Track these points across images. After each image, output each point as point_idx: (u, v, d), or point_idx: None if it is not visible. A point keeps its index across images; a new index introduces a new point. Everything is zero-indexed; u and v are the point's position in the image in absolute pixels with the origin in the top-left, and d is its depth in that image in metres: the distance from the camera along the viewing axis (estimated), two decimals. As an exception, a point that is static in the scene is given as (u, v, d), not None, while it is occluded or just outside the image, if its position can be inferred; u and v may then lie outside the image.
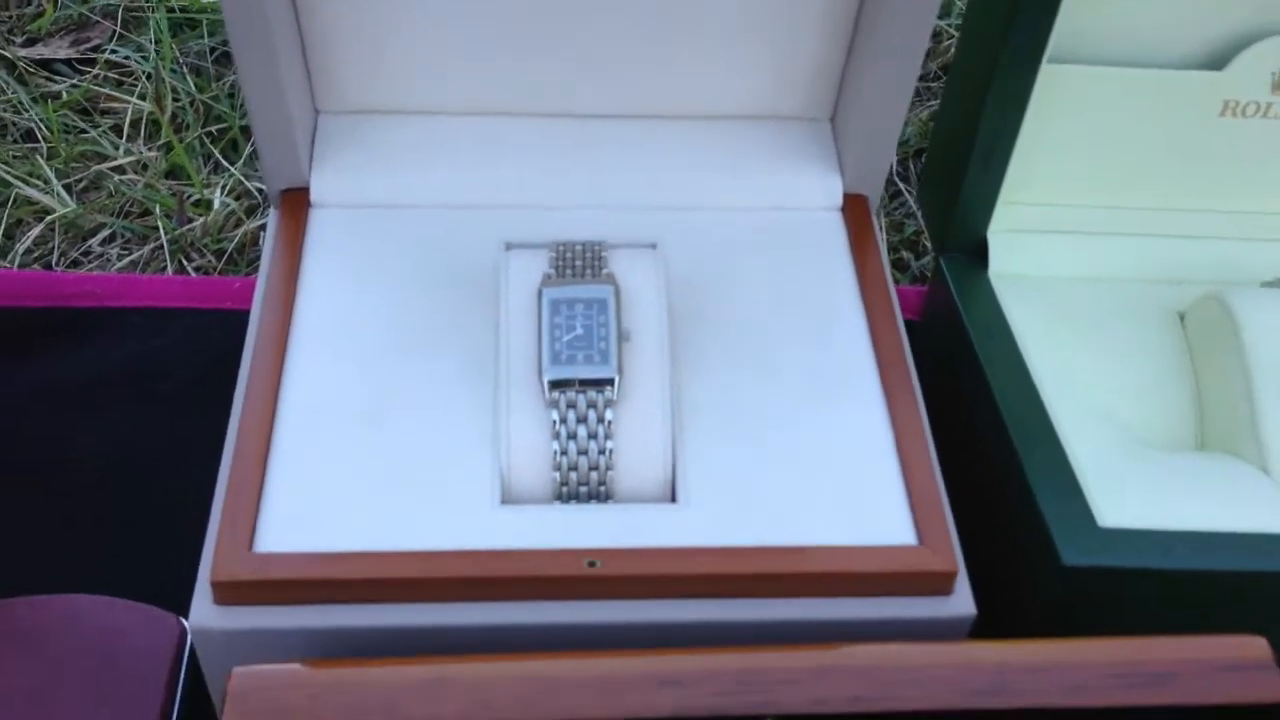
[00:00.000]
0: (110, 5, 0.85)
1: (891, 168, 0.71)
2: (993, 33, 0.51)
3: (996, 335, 0.52)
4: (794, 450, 0.43)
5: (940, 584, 0.40)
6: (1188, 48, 0.53)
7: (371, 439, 0.43)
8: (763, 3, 0.50)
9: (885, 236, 0.66)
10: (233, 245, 0.68)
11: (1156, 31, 0.53)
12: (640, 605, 0.39)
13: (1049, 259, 0.56)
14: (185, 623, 0.47)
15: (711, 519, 0.41)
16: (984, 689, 0.37)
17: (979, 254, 0.56)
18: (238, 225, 0.69)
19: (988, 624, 0.43)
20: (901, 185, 0.70)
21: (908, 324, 0.60)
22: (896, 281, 0.66)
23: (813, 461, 0.43)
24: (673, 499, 0.42)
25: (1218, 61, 0.53)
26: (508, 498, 0.42)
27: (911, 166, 0.74)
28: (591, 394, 0.42)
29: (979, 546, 0.48)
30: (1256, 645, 0.38)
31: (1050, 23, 0.49)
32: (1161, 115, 0.55)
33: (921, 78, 0.78)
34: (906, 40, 0.48)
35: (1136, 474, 0.47)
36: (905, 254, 0.66)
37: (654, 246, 0.49)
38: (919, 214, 0.72)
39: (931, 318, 0.58)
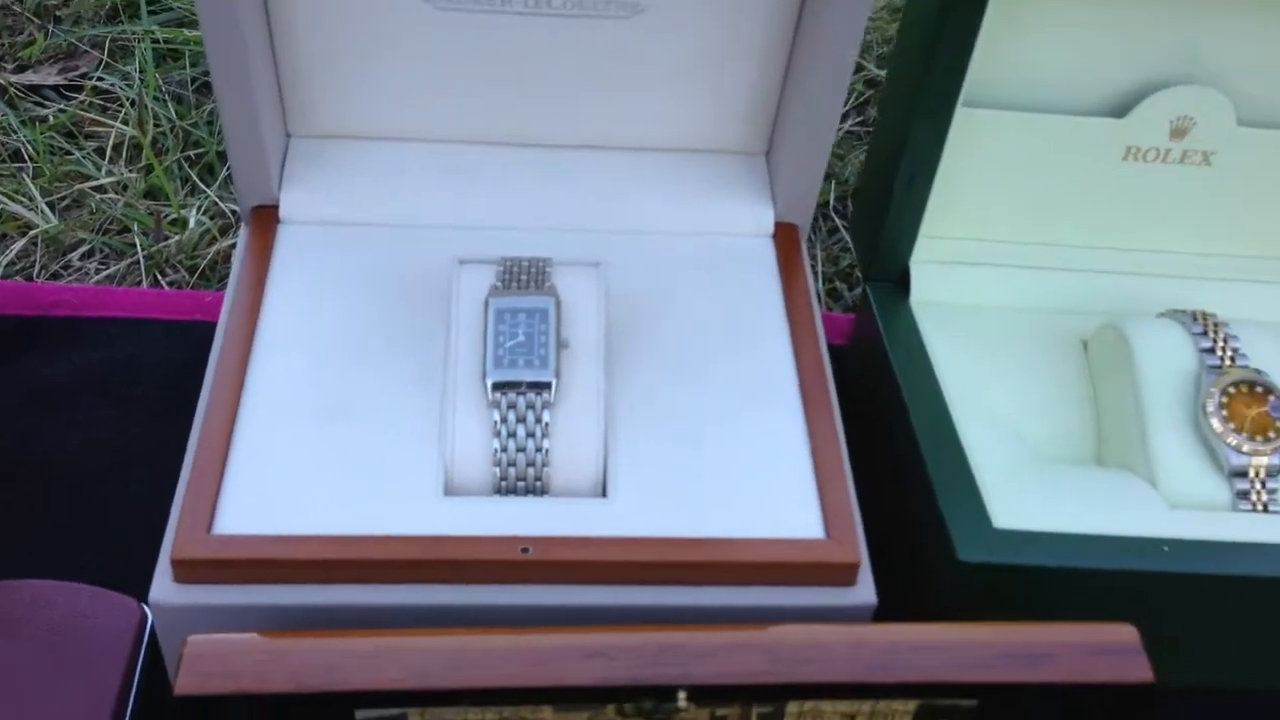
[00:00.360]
0: (98, 35, 0.89)
1: (829, 204, 0.75)
2: (913, 79, 0.56)
3: (913, 356, 0.56)
4: (717, 452, 0.47)
5: (844, 574, 0.44)
6: (1092, 96, 0.58)
7: (327, 434, 0.46)
8: (704, 47, 0.55)
9: (822, 268, 0.71)
10: (205, 262, 0.71)
11: (1064, 80, 0.58)
12: (569, 590, 0.43)
13: (966, 288, 0.60)
14: (146, 608, 0.50)
15: (637, 512, 0.45)
16: (877, 664, 0.40)
17: (902, 283, 0.61)
18: (211, 243, 0.72)
19: (895, 614, 0.47)
20: (839, 221, 0.74)
21: (840, 348, 0.65)
22: (831, 309, 0.71)
23: (734, 462, 0.47)
24: (603, 494, 0.46)
25: (1120, 110, 0.58)
26: (451, 490, 0.45)
27: (850, 204, 0.78)
28: (530, 396, 0.46)
29: (890, 545, 0.51)
30: (1127, 632, 0.42)
31: (963, 70, 0.54)
32: (1068, 159, 0.59)
33: (862, 122, 0.83)
34: (829, 84, 0.52)
35: (1033, 483, 0.51)
36: (840, 284, 0.70)
37: (598, 265, 0.53)
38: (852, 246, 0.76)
39: (858, 341, 0.62)
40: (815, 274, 0.71)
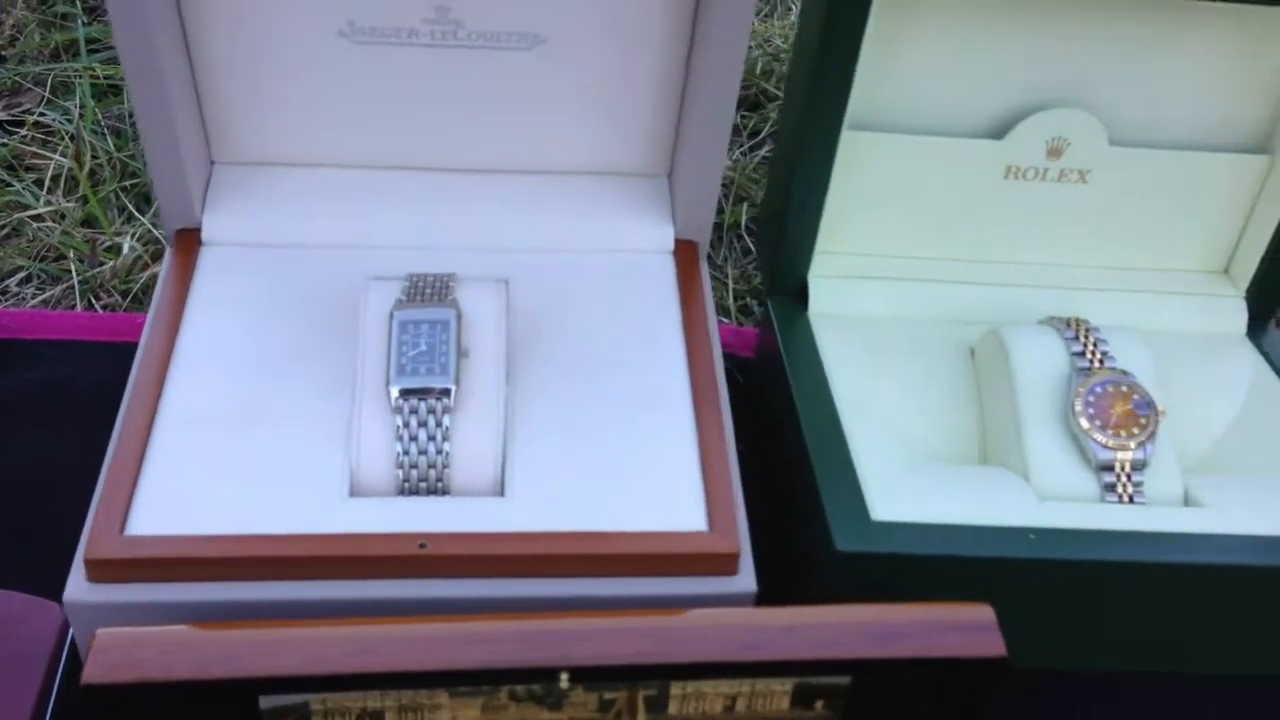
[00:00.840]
0: (41, 73, 0.92)
1: (742, 224, 0.79)
2: (801, 104, 0.59)
3: (807, 364, 0.59)
4: (611, 453, 0.50)
5: (725, 564, 0.46)
6: (974, 118, 0.62)
7: (239, 441, 0.49)
8: (603, 75, 0.58)
9: (735, 285, 0.74)
10: (139, 286, 0.74)
11: (945, 103, 0.61)
12: (466, 583, 0.46)
13: (861, 301, 0.64)
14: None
15: (532, 509, 0.47)
16: (747, 644, 0.43)
17: (801, 297, 0.64)
18: (144, 269, 0.75)
19: (782, 602, 0.49)
20: (750, 241, 0.78)
21: (748, 360, 0.68)
22: (743, 324, 0.74)
23: (626, 462, 0.49)
24: (501, 493, 0.48)
25: (999, 131, 0.62)
26: (355, 491, 0.48)
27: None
28: (431, 401, 0.48)
29: (780, 538, 0.55)
30: (982, 612, 0.45)
31: (845, 95, 0.57)
32: (953, 178, 0.63)
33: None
34: (716, 110, 0.55)
35: (913, 479, 0.54)
36: (751, 301, 0.73)
37: (506, 281, 0.56)
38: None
39: (762, 352, 0.66)
40: (728, 291, 0.75)
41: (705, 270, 0.61)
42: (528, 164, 0.60)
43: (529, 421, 0.51)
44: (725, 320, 0.72)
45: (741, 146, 0.85)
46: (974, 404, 0.61)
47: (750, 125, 0.86)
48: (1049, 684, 0.55)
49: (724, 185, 0.80)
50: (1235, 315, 0.65)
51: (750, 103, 0.89)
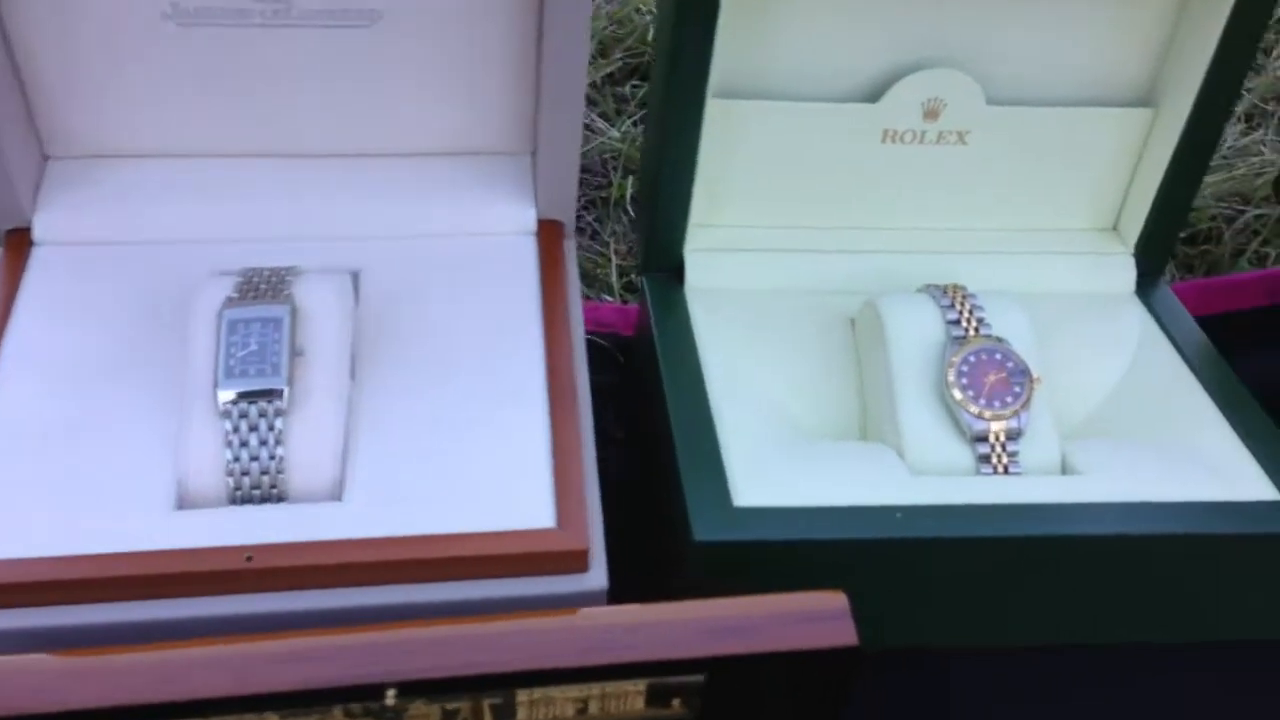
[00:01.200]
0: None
1: (628, 196, 0.76)
2: (663, 73, 0.57)
3: (678, 343, 0.57)
4: (458, 450, 0.48)
5: (574, 562, 0.45)
6: (847, 82, 0.60)
7: (61, 457, 0.46)
8: (450, 52, 0.55)
9: (619, 262, 0.72)
10: None
11: (819, 69, 0.59)
12: (299, 596, 0.43)
13: (739, 274, 0.62)
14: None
15: (372, 514, 0.45)
16: (589, 648, 0.41)
17: (678, 272, 0.62)
18: None
19: (641, 598, 0.47)
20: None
21: (629, 339, 0.66)
22: (626, 302, 0.72)
23: (473, 459, 0.47)
24: (340, 498, 0.46)
25: (874, 94, 0.60)
26: (184, 503, 0.45)
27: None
28: (262, 404, 0.46)
29: (645, 530, 0.53)
30: (834, 600, 0.43)
31: (706, 62, 0.55)
32: (828, 144, 0.61)
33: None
34: (567, 85, 0.53)
35: (782, 460, 0.52)
36: (638, 277, 0.71)
37: (355, 273, 0.54)
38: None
39: (640, 331, 0.64)
40: (613, 267, 0.72)
41: (571, 251, 0.59)
42: (379, 147, 0.57)
43: (374, 421, 0.49)
44: (609, 298, 0.69)
45: (631, 117, 0.82)
46: (855, 377, 0.59)
47: (639, 95, 0.83)
48: (927, 662, 0.54)
49: (612, 157, 0.77)
50: (1124, 273, 0.63)
51: (642, 71, 0.87)
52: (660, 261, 0.62)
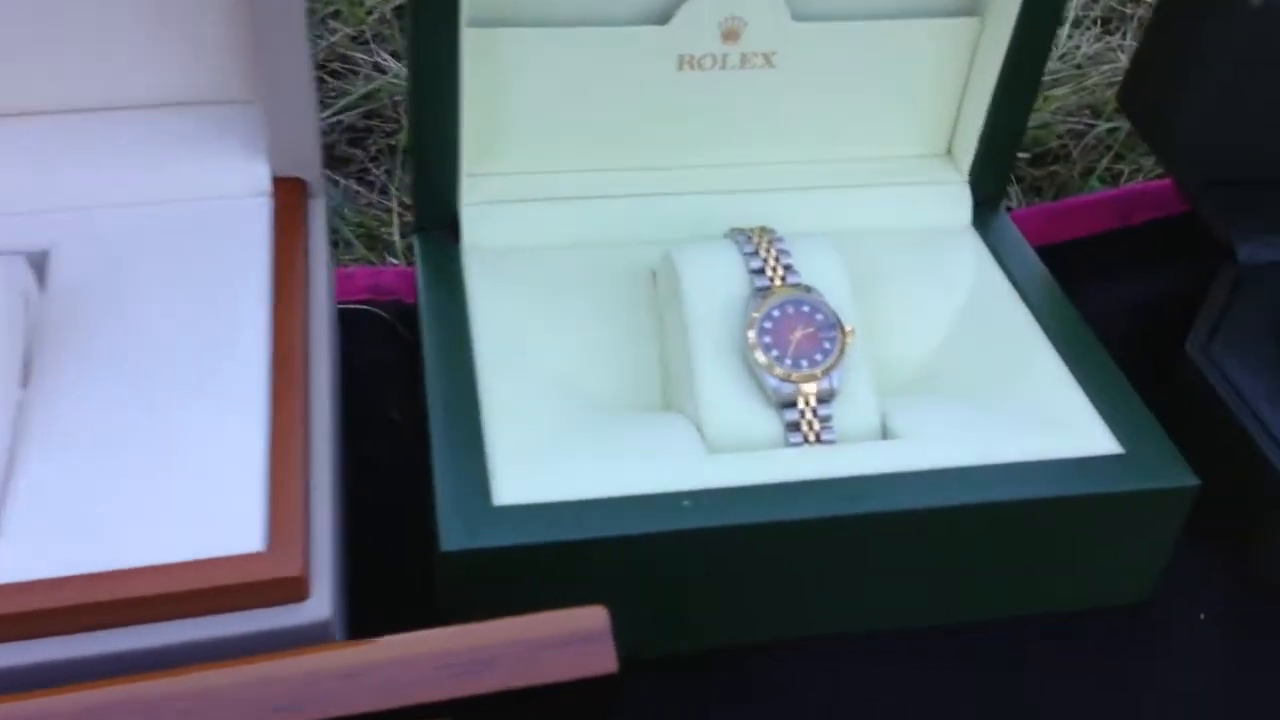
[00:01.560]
0: None
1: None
2: (409, 2, 0.49)
3: (446, 311, 0.50)
4: (154, 465, 0.39)
5: (288, 590, 0.37)
6: (633, 3, 0.52)
7: None
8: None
9: (402, 220, 0.64)
10: None
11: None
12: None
13: (525, 229, 0.54)
14: None
15: (35, 550, 0.37)
16: (288, 704, 0.34)
17: (454, 229, 0.54)
18: None
19: (387, 623, 0.41)
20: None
21: (412, 308, 0.58)
22: (411, 265, 0.64)
23: (172, 476, 0.39)
24: (-1, 532, 0.39)
25: (664, 15, 0.53)
26: None
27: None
28: (-108, 424, 0.38)
29: (399, 541, 0.46)
30: (593, 616, 0.36)
31: (452, -17, 0.48)
32: (616, 75, 0.53)
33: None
34: (288, 20, 0.45)
35: (560, 444, 0.45)
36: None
37: (44, 253, 0.45)
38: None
39: (418, 300, 0.56)
40: (395, 225, 0.64)
41: (319, 212, 0.50)
42: (71, 101, 0.48)
43: (47, 435, 0.40)
44: (395, 260, 0.62)
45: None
46: (654, 339, 0.53)
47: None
48: (731, 664, 0.47)
49: (397, 100, 0.69)
50: (958, 203, 0.57)
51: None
52: (432, 218, 0.54)
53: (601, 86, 0.53)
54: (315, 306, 0.47)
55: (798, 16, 0.53)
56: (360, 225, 0.65)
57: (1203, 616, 0.48)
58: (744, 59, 0.54)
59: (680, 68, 0.53)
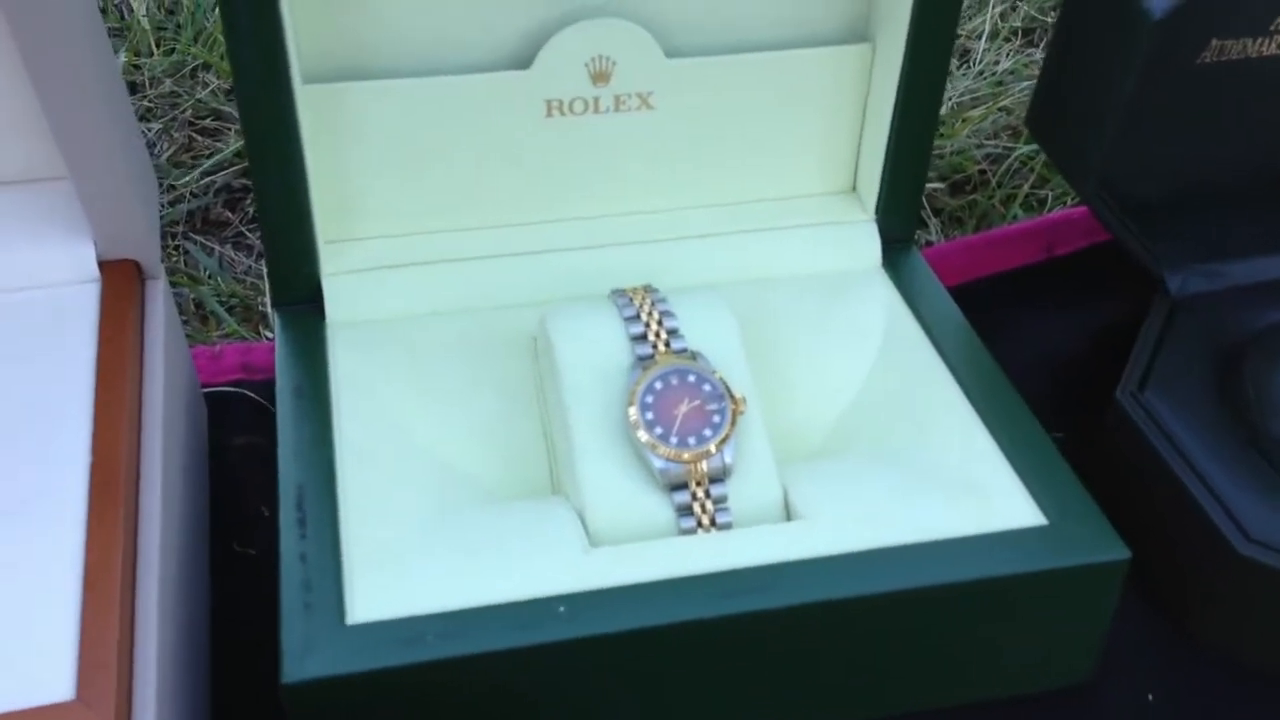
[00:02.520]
0: None
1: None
2: (232, 64, 0.44)
3: (305, 397, 0.45)
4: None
5: (90, 750, 0.33)
6: (488, 48, 0.47)
7: None
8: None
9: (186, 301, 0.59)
10: None
11: (446, 34, 0.46)
12: None
13: (393, 298, 0.49)
14: None
15: None
16: None
17: (319, 303, 0.50)
18: None
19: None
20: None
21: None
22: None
23: (-38, 615, 0.35)
24: None
25: (525, 60, 0.48)
26: None
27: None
28: None
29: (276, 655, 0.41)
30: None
31: (275, 40, 0.42)
32: (479, 125, 0.48)
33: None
34: (79, 84, 0.40)
35: (428, 545, 0.40)
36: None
37: None
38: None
39: (276, 384, 0.51)
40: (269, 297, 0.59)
41: (158, 295, 0.46)
42: None
43: None
44: (270, 334, 0.57)
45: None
46: (542, 412, 0.48)
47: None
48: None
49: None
50: (866, 243, 0.52)
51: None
52: (292, 292, 0.49)
53: (464, 139, 0.48)
54: (150, 402, 0.42)
55: (672, 53, 0.48)
56: (234, 296, 0.60)
57: (1151, 697, 0.44)
58: (618, 101, 0.49)
59: (549, 114, 0.49)
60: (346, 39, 0.46)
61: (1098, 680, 0.44)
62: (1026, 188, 0.66)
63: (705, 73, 0.49)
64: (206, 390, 0.54)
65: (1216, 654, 0.45)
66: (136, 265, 0.45)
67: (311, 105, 0.45)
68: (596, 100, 0.49)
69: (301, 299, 0.49)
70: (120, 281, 0.44)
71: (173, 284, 0.63)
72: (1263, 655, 0.44)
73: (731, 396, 0.43)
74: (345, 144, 0.47)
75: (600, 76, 0.48)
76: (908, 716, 0.43)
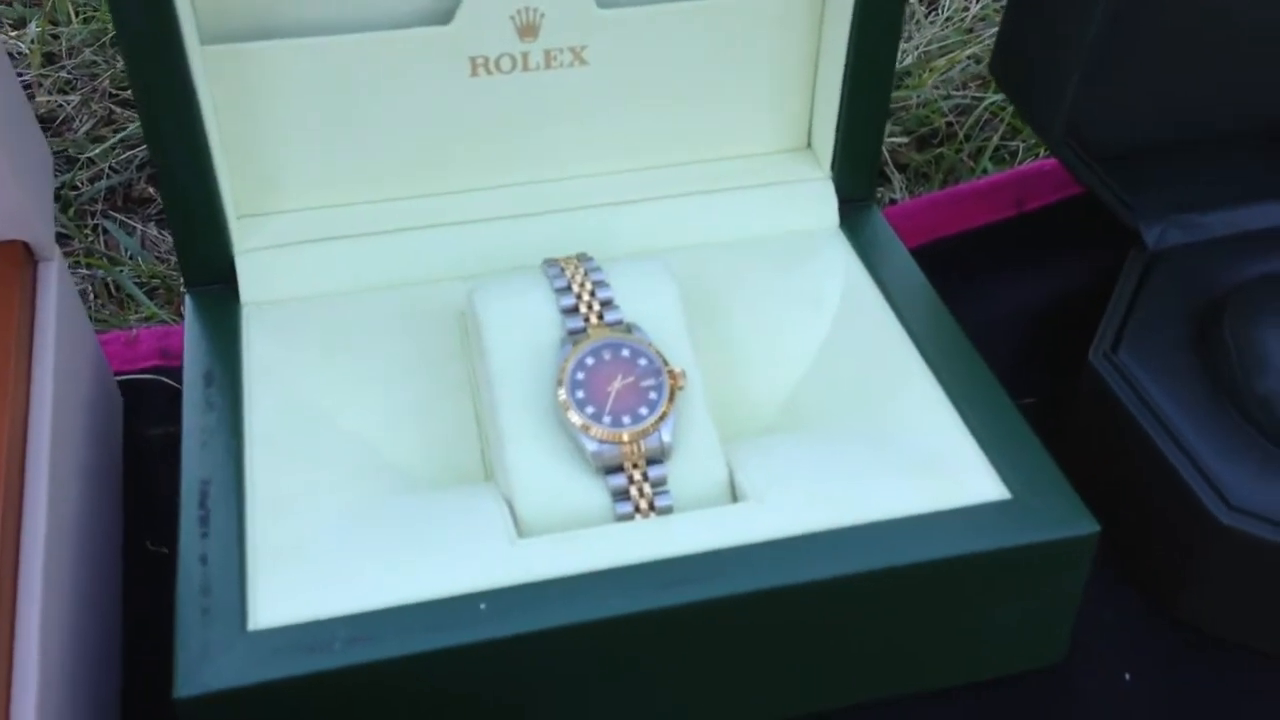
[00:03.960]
0: None
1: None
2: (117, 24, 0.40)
3: (212, 383, 0.42)
4: None
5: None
6: (405, 2, 0.44)
7: None
8: None
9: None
10: None
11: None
12: None
13: (311, 274, 0.45)
14: None
15: None
16: None
17: (233, 282, 0.46)
18: None
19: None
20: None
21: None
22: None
23: None
24: None
25: (445, 15, 0.44)
26: None
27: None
28: None
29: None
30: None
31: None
32: (398, 86, 0.45)
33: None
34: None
35: (341, 540, 0.37)
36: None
37: None
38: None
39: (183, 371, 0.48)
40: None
41: (51, 277, 0.42)
42: None
43: None
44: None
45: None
46: (471, 393, 0.45)
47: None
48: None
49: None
50: (822, 202, 0.49)
51: None
52: (205, 272, 0.45)
53: (382, 102, 0.45)
54: (38, 395, 0.39)
55: (604, 3, 0.45)
56: (155, 277, 0.57)
57: (1128, 677, 0.41)
58: (549, 57, 0.46)
59: (474, 72, 0.45)
60: (248, -3, 0.43)
61: (1072, 660, 0.41)
62: (996, 139, 0.63)
63: (642, 23, 0.45)
64: (121, 378, 0.51)
65: (1197, 630, 0.42)
66: (25, 246, 0.42)
67: (213, 68, 0.42)
68: (525, 56, 0.45)
69: (215, 279, 0.46)
70: (7, 263, 0.41)
71: (91, 265, 0.60)
72: (1246, 630, 0.41)
73: (669, 371, 0.40)
74: (253, 110, 0.44)
75: (528, 30, 0.45)
76: (872, 705, 0.41)
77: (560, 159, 0.48)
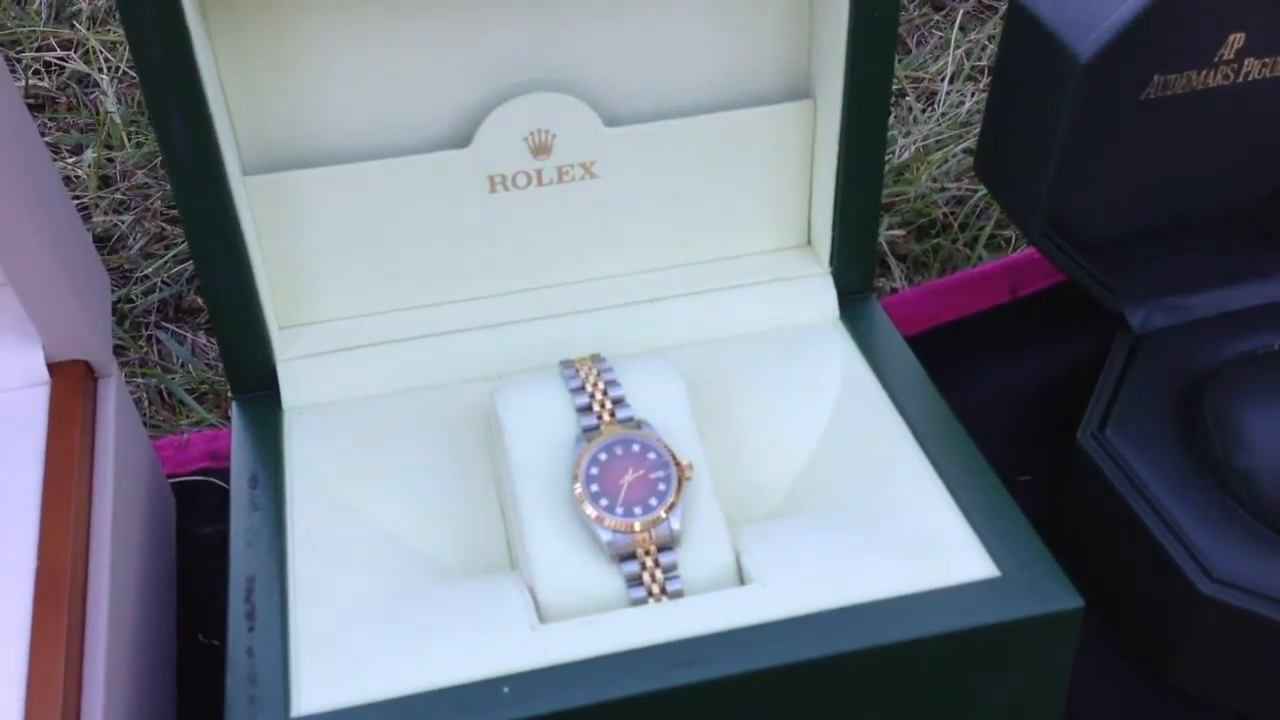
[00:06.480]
0: None
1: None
2: (165, 154, 0.44)
3: (257, 486, 0.45)
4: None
5: None
6: (425, 128, 0.48)
7: None
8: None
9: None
10: None
11: (383, 118, 0.47)
12: None
13: (348, 380, 0.49)
14: None
15: None
16: None
17: (275, 389, 0.50)
18: None
19: None
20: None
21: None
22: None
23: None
24: None
25: (463, 139, 0.48)
26: None
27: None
28: None
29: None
30: None
31: (206, 140, 0.43)
32: (423, 205, 0.49)
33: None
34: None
35: (377, 630, 0.40)
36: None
37: None
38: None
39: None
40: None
41: (110, 395, 0.46)
42: None
43: None
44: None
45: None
46: (497, 487, 0.48)
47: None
48: None
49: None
50: (822, 296, 0.52)
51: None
52: (248, 380, 0.50)
53: (409, 220, 0.49)
54: (99, 502, 0.43)
55: (611, 121, 0.49)
56: (204, 383, 0.61)
57: (1122, 749, 0.43)
58: (561, 172, 0.50)
59: (492, 189, 0.49)
60: (285, 128, 0.46)
61: (1067, 730, 0.44)
62: (990, 228, 0.66)
63: (646, 139, 0.49)
64: (173, 480, 0.55)
65: (1186, 697, 0.44)
66: (87, 365, 0.46)
67: (254, 196, 0.46)
68: (539, 173, 0.49)
69: (259, 386, 0.50)
70: (70, 382, 0.45)
71: (145, 374, 0.64)
72: (1233, 695, 0.43)
73: (677, 463, 0.42)
74: (292, 231, 0.48)
75: (541, 149, 0.49)
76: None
77: (573, 265, 0.51)
